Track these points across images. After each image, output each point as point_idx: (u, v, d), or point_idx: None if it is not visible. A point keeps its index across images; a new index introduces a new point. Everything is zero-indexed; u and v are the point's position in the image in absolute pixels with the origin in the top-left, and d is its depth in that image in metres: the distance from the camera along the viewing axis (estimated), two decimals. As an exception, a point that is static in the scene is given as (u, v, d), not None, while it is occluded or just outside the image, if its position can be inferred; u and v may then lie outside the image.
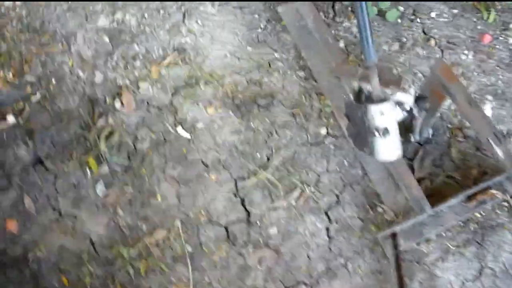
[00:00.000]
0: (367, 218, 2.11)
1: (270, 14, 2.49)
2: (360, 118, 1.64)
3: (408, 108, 1.79)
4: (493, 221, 2.11)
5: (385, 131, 1.63)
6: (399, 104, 1.77)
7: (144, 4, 2.59)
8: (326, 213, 2.14)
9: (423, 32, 2.49)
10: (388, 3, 2.42)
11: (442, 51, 2.42)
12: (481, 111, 1.85)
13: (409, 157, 2.20)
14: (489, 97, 2.36)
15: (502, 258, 2.02)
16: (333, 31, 2.45)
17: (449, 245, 2.06)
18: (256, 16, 2.49)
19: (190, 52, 2.43)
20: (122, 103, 2.26)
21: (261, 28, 2.47)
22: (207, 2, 2.51)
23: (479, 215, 2.13)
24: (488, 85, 2.38)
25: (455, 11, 2.54)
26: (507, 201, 2.10)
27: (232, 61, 2.39)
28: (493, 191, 2.11)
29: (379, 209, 2.13)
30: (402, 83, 1.76)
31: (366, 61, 1.59)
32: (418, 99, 1.88)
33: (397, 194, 2.12)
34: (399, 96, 1.71)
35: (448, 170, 2.18)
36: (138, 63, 2.42)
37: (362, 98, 1.74)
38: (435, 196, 2.09)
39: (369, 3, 2.37)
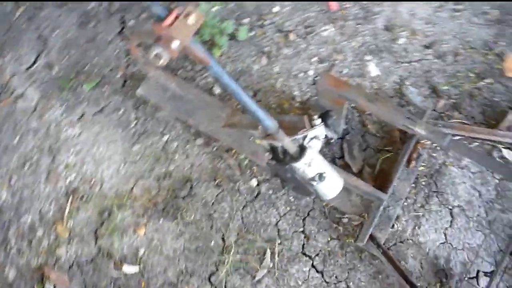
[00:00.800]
0: (340, 234, 2.15)
1: (133, 102, 2.33)
2: (291, 175, 1.69)
3: (323, 136, 1.80)
4: (435, 166, 2.23)
5: (321, 177, 1.64)
6: (315, 138, 1.77)
7: (4, 168, 2.29)
8: (304, 254, 2.17)
9: (278, 31, 2.46)
10: (231, 26, 2.34)
11: (305, 38, 2.42)
12: (385, 101, 1.89)
13: (338, 156, 2.23)
14: (368, 57, 2.42)
15: (460, 191, 2.16)
16: (201, 82, 2.34)
17: (415, 210, 2.16)
18: (121, 111, 2.31)
19: (84, 187, 2.23)
20: (54, 286, 2.04)
21: (133, 120, 2.31)
22: (66, 126, 2.28)
23: (422, 168, 2.24)
24: (360, 46, 2.44)
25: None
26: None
27: (129, 169, 2.25)
28: (421, 142, 2.22)
29: (345, 220, 2.19)
30: (306, 121, 1.74)
31: (267, 132, 1.56)
32: (322, 117, 1.90)
33: (350, 198, 2.19)
34: (312, 133, 1.71)
35: (376, 145, 2.25)
36: (40, 233, 2.19)
37: (281, 155, 1.71)
38: (382, 176, 2.17)
39: (218, 37, 2.28)
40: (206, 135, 2.30)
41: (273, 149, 1.78)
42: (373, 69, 2.45)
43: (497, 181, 2.29)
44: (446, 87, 2.41)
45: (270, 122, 1.54)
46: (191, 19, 1.28)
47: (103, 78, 2.35)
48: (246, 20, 2.50)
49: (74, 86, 2.34)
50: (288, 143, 1.62)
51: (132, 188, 2.25)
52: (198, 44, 1.32)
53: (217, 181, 2.23)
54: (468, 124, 2.34)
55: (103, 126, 2.30)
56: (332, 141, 2.12)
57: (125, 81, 2.36)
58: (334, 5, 2.49)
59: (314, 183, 1.69)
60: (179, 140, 2.30)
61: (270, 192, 2.23)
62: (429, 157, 2.32)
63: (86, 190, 2.27)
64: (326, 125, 1.91)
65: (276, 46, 2.45)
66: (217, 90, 2.37)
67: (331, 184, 1.73)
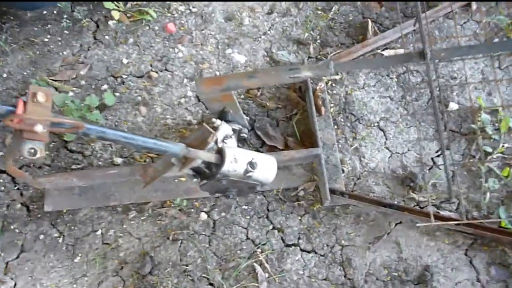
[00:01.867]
0: (306, 207, 2.17)
1: (48, 221, 2.19)
2: (227, 181, 1.68)
3: (231, 132, 1.81)
4: (342, 100, 2.34)
5: (252, 164, 1.67)
6: (226, 137, 1.79)
7: None
8: (288, 245, 2.16)
9: (138, 77, 2.46)
10: (95, 99, 2.30)
11: (165, 69, 2.44)
12: (263, 70, 1.95)
13: (260, 146, 2.28)
14: (228, 50, 2.49)
15: (374, 106, 2.32)
16: (99, 162, 2.26)
17: (351, 145, 2.28)
18: (42, 237, 2.16)
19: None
20: None
21: (59, 237, 2.16)
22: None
23: (333, 108, 2.32)
24: (215, 46, 2.51)
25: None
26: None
27: (84, 284, 2.09)
28: (317, 88, 2.31)
29: (301, 193, 2.21)
30: (207, 128, 1.76)
31: (180, 157, 1.56)
32: (220, 117, 1.92)
33: (293, 172, 2.24)
34: (220, 134, 1.74)
35: (284, 116, 2.36)
36: None
37: (207, 171, 1.70)
38: (306, 137, 2.28)
39: (88, 115, 2.23)
40: (135, 204, 2.22)
41: (197, 171, 1.75)
42: (239, 58, 2.53)
43: (395, 79, 2.45)
44: (306, 34, 2.55)
45: (176, 147, 1.52)
46: (40, 97, 1.24)
47: (4, 219, 2.18)
48: (105, 86, 2.47)
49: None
50: (204, 155, 1.61)
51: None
52: (61, 116, 1.28)
53: (171, 238, 2.15)
54: (342, 50, 2.49)
55: (33, 262, 2.13)
56: (245, 135, 2.14)
57: (28, 208, 2.21)
58: (171, 28, 2.55)
59: (251, 173, 1.68)
60: (113, 226, 2.19)
61: (223, 214, 2.19)
62: (332, 96, 2.42)
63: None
64: (228, 121, 1.93)
65: (145, 91, 2.45)
66: (118, 159, 2.30)
67: (266, 165, 1.74)
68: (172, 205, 2.20)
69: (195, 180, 1.79)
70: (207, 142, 1.73)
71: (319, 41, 2.55)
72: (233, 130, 1.89)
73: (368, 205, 2.14)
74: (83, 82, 2.47)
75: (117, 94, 2.44)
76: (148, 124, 2.38)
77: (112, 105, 2.40)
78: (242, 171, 1.67)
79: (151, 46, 2.57)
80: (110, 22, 2.61)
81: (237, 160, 1.65)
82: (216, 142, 1.74)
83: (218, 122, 1.81)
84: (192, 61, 2.52)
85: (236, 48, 2.55)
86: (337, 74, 2.43)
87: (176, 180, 2.21)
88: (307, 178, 2.24)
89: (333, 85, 2.45)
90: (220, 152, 1.66)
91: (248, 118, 2.28)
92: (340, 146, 2.33)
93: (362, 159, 2.30)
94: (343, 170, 2.26)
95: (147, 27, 2.60)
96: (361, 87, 2.45)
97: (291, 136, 2.32)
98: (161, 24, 2.59)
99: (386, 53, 2.47)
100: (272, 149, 2.29)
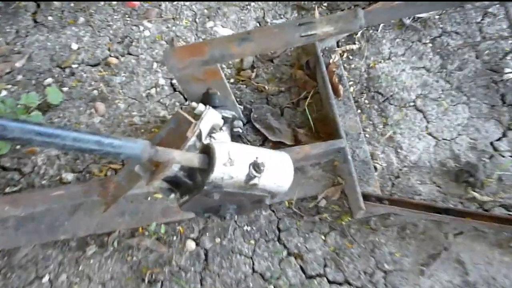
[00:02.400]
0: (330, 222, 1.60)
1: None
2: (221, 195, 1.10)
3: (222, 121, 1.23)
4: (363, 75, 1.81)
5: (257, 166, 1.12)
6: (214, 129, 1.22)
7: None
8: (312, 277, 1.56)
9: (93, 65, 1.87)
10: (34, 97, 1.72)
11: (128, 53, 1.87)
12: (261, 29, 1.36)
13: (261, 143, 1.71)
14: (209, 24, 1.92)
15: (406, 81, 1.76)
16: (43, 182, 1.67)
17: (382, 134, 1.72)
18: None
19: None
20: None
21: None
22: None
23: (352, 87, 1.77)
24: (192, 20, 1.93)
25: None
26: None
27: None
28: (331, 62, 1.77)
29: (322, 204, 1.64)
30: (185, 116, 1.19)
31: (137, 160, 0.96)
32: (204, 101, 1.35)
33: (309, 175, 1.67)
34: (204, 125, 1.16)
35: (289, 102, 1.80)
36: None
37: (188, 181, 1.13)
38: (321, 127, 1.70)
39: (26, 117, 1.62)
40: (94, 236, 1.61)
41: (174, 183, 1.17)
42: (224, 32, 1.95)
43: (430, 44, 1.89)
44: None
45: (133, 145, 0.93)
46: None
47: None
48: (49, 80, 1.88)
49: None
50: (182, 157, 1.02)
51: None
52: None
53: (147, 279, 1.55)
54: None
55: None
56: (240, 130, 1.57)
57: None
58: (133, 1, 1.97)
59: (256, 180, 1.10)
60: (65, 268, 1.57)
61: (218, 240, 1.60)
62: (350, 72, 1.85)
63: None
64: (215, 107, 1.35)
65: (103, 83, 1.85)
66: (68, 176, 1.70)
67: (277, 166, 1.16)
68: (146, 233, 1.59)
69: (172, 196, 1.21)
70: (186, 137, 1.15)
71: (325, 3, 1.99)
72: (224, 118, 1.31)
73: (415, 213, 1.56)
74: (20, 77, 1.87)
75: (65, 89, 1.84)
76: (108, 125, 1.78)
77: (59, 103, 1.80)
78: (243, 177, 1.09)
79: (108, 25, 1.98)
80: (53, -2, 2.03)
81: (233, 161, 1.07)
82: (199, 137, 1.16)
83: (200, 107, 1.23)
84: (163, 40, 1.94)
85: (219, 20, 1.98)
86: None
87: (149, 198, 1.61)
88: (328, 182, 1.66)
89: (350, 57, 1.88)
90: (207, 151, 1.08)
91: (241, 107, 1.70)
92: (367, 135, 1.75)
93: (398, 151, 1.73)
94: (375, 168, 1.68)
95: (102, 2, 2.01)
96: (387, 58, 1.88)
97: (301, 127, 1.74)
98: (120, -3, 2.01)
99: None
100: (277, 146, 1.71)
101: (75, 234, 1.60)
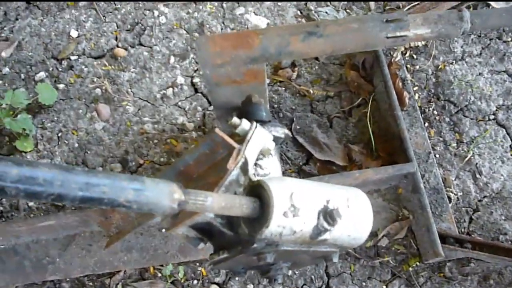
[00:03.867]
0: (394, 267, 1.26)
1: None
2: (278, 255, 0.83)
3: (272, 144, 0.89)
4: (431, 79, 1.46)
5: (331, 215, 0.81)
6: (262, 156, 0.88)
7: None
8: None
9: (97, 58, 1.54)
10: (21, 95, 1.39)
11: (139, 43, 1.53)
12: (334, 24, 1.03)
13: (303, 162, 1.36)
14: (240, 10, 1.58)
15: (484, 88, 1.42)
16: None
17: (455, 154, 1.34)
18: None
19: None
20: None
21: None
22: None
23: (418, 93, 1.43)
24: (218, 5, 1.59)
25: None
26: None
27: None
28: (393, 61, 1.43)
29: (384, 243, 1.29)
30: (226, 141, 0.84)
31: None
32: (243, 112, 1.01)
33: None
34: (250, 151, 0.82)
35: (338, 110, 1.44)
36: None
37: (226, 231, 0.79)
38: (380, 144, 1.36)
39: (9, 122, 1.30)
40: (92, 278, 1.28)
41: (205, 231, 0.85)
42: (256, 20, 1.61)
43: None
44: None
45: (158, 192, 0.61)
46: None
47: None
48: (41, 75, 1.55)
49: None
50: (225, 206, 0.71)
51: None
52: None
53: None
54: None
55: None
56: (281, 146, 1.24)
57: None
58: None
59: (326, 235, 0.78)
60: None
61: (250, 287, 1.27)
62: (414, 74, 1.51)
63: None
64: (261, 121, 1.01)
65: (108, 80, 1.52)
66: (63, 197, 1.38)
67: (354, 212, 0.83)
68: (159, 275, 1.26)
69: (201, 246, 0.89)
70: (226, 169, 0.81)
71: (380, -9, 1.65)
72: (275, 139, 0.97)
73: (502, 258, 1.24)
74: (6, 70, 1.54)
75: (60, 86, 1.51)
76: (113, 133, 1.45)
77: (52, 104, 1.47)
78: (309, 231, 0.78)
79: (116, 8, 1.64)
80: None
81: (297, 209, 0.75)
82: (244, 169, 0.82)
83: (245, 124, 0.89)
84: (182, 28, 1.60)
85: (251, 6, 1.63)
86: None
87: (163, 230, 1.28)
88: (391, 214, 1.32)
89: (414, 56, 1.54)
90: (259, 193, 0.76)
91: (281, 114, 1.35)
92: (437, 155, 1.42)
93: (477, 176, 1.39)
94: (449, 198, 1.35)
95: (109, -20, 1.68)
96: (459, 58, 1.54)
97: (355, 143, 1.40)
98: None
99: (494, 4, 1.57)
100: (325, 167, 1.38)
101: (68, 274, 1.27)
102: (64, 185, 0.54)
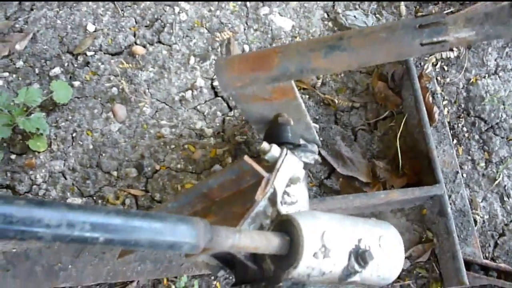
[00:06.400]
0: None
1: None
2: None
3: (303, 172, 0.86)
4: (461, 93, 1.41)
5: (362, 256, 0.80)
6: (291, 183, 0.85)
7: None
8: None
9: (114, 55, 1.52)
10: (36, 92, 1.39)
11: (159, 41, 1.50)
12: (363, 33, 0.99)
13: (325, 176, 1.33)
14: (264, 10, 1.54)
15: None
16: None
17: (484, 175, 1.32)
18: None
19: None
20: None
21: None
22: None
23: (447, 108, 1.39)
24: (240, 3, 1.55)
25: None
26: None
27: None
28: (424, 73, 1.38)
29: (405, 265, 1.25)
30: (254, 169, 0.81)
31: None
32: (273, 132, 0.98)
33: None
34: (282, 182, 0.77)
35: (363, 122, 1.41)
36: None
37: (254, 270, 0.78)
38: (406, 160, 1.31)
39: (24, 122, 1.28)
40: (103, 286, 1.27)
41: (227, 261, 0.83)
42: (282, 22, 1.57)
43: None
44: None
45: (187, 233, 0.59)
46: None
47: None
48: (56, 70, 1.52)
49: None
50: (253, 244, 0.68)
51: None
52: None
53: None
54: (463, 5, 1.52)
55: None
56: (314, 160, 1.20)
57: None
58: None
59: (357, 277, 0.75)
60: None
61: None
62: (444, 88, 1.47)
63: None
64: (290, 144, 0.98)
65: (125, 79, 1.49)
66: (75, 200, 1.36)
67: (386, 251, 0.80)
68: (173, 287, 1.25)
69: (221, 274, 0.87)
70: (253, 199, 0.78)
71: (414, -6, 1.59)
72: (305, 165, 0.94)
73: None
74: (20, 63, 1.51)
75: (76, 83, 1.48)
76: (129, 136, 1.42)
77: (67, 102, 1.44)
78: (338, 272, 0.75)
79: (135, 3, 1.60)
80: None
81: (328, 250, 0.72)
82: (272, 200, 0.79)
83: (275, 150, 0.86)
84: (204, 27, 1.56)
85: (277, 6, 1.59)
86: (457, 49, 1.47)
87: (183, 257, 1.26)
88: (414, 236, 1.30)
89: (445, 68, 1.49)
90: (288, 230, 0.73)
91: (316, 125, 1.31)
92: (464, 175, 1.38)
93: (505, 199, 1.36)
94: (474, 221, 1.32)
95: (128, -28, 1.63)
96: (493, 72, 1.49)
97: (379, 158, 1.37)
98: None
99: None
100: (347, 183, 1.35)
101: (80, 282, 1.26)
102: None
